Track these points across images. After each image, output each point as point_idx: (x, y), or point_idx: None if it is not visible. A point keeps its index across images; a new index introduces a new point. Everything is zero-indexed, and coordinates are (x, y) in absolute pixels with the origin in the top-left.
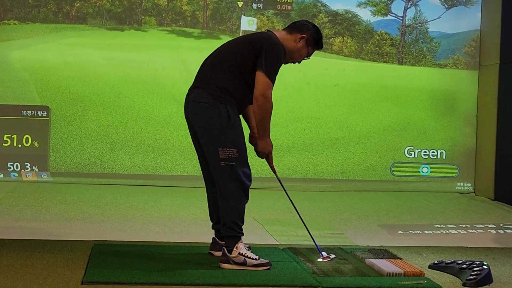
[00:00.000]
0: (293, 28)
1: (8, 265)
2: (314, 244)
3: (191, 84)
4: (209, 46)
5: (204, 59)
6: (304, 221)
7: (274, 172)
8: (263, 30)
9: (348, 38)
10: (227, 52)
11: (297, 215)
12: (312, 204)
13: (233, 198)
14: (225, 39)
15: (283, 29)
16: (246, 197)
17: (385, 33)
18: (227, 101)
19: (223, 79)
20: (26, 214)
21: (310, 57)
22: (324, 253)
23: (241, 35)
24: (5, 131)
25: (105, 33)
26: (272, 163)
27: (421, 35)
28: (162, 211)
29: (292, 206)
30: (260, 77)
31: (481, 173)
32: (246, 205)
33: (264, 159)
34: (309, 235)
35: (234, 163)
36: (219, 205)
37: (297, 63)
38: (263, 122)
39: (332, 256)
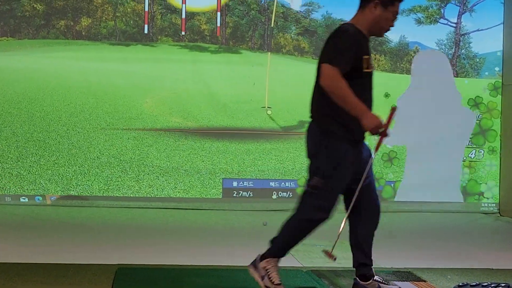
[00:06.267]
0: (362, 2)
1: None
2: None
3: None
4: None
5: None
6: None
7: (376, 149)
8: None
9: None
10: (317, 69)
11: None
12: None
13: (296, 226)
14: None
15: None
16: (307, 232)
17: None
18: (336, 136)
19: (323, 103)
20: (50, 237)
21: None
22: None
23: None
24: None
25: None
26: (381, 141)
27: (462, 50)
28: (186, 234)
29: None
30: (322, 68)
31: (506, 193)
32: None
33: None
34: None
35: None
36: (289, 217)
37: (391, 28)
38: (344, 103)
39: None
